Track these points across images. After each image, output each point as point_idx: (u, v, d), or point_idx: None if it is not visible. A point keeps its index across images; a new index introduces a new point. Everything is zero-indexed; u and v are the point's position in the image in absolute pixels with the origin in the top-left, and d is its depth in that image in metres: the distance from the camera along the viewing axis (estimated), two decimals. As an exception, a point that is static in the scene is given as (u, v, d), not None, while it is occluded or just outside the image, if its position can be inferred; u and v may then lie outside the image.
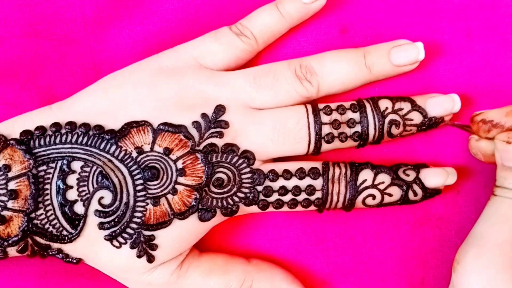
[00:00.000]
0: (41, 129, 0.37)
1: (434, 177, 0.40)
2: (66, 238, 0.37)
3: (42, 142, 0.37)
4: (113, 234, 0.37)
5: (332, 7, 0.43)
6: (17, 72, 0.43)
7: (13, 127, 0.38)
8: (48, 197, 0.37)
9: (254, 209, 0.39)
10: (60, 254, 0.38)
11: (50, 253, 0.38)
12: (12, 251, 0.38)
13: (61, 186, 0.37)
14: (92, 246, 0.38)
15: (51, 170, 0.37)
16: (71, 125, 0.37)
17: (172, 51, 0.41)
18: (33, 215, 0.37)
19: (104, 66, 0.43)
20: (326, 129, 0.39)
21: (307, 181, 0.39)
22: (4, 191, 0.36)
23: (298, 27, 0.43)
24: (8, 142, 0.37)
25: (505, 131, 0.36)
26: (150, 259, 0.38)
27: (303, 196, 0.39)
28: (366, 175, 0.39)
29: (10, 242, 0.37)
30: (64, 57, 0.43)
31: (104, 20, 0.43)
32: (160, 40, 0.43)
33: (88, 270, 0.40)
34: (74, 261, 0.39)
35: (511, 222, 0.36)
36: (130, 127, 0.38)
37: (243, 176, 0.38)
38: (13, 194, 0.36)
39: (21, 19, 0.43)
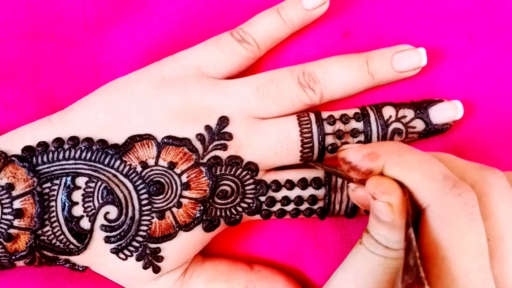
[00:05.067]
0: (43, 145, 0.37)
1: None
2: (73, 251, 0.38)
3: (45, 159, 0.37)
4: (119, 247, 0.38)
5: (334, 11, 0.43)
6: (17, 73, 0.42)
7: (12, 142, 0.38)
8: (54, 214, 0.37)
9: (257, 217, 0.40)
10: (67, 264, 0.39)
11: (58, 263, 0.38)
12: (20, 263, 0.38)
13: (67, 203, 0.37)
14: (98, 257, 0.38)
15: (56, 187, 0.37)
16: (74, 140, 0.37)
17: (174, 59, 0.40)
18: (39, 232, 0.37)
19: (105, 68, 0.43)
20: (329, 140, 0.39)
21: (310, 191, 0.39)
22: (10, 210, 0.36)
23: (300, 31, 0.42)
24: (9, 159, 0.37)
25: (362, 175, 0.32)
26: (156, 270, 0.39)
27: (305, 205, 0.39)
28: (368, 184, 0.40)
29: (17, 256, 0.37)
30: (64, 59, 0.43)
31: (105, 22, 0.43)
32: (161, 43, 0.43)
33: (93, 272, 0.41)
34: (81, 269, 0.39)
35: (365, 280, 0.33)
36: (134, 141, 0.37)
37: (246, 188, 0.39)
38: (19, 213, 0.36)
39: (22, 20, 0.42)
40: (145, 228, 0.38)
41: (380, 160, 0.31)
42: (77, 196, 0.37)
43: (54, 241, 0.37)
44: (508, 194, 0.32)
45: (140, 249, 0.38)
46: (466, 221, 0.29)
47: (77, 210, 0.37)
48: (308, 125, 0.39)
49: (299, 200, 0.39)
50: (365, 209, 0.36)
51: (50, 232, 0.37)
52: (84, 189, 0.37)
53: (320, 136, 0.39)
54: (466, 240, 0.29)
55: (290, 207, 0.39)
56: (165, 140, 0.37)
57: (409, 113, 0.40)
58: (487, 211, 0.31)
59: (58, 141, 0.37)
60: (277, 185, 0.39)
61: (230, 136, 0.38)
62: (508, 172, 0.34)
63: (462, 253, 0.29)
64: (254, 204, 0.39)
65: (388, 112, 0.40)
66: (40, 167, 0.37)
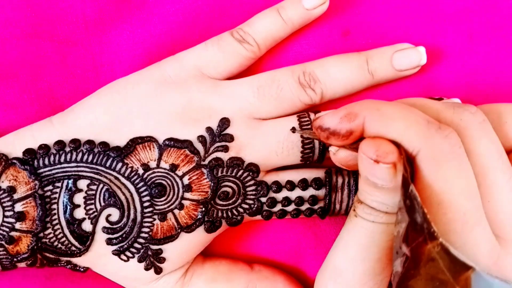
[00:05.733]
0: (45, 148, 0.37)
1: None
2: (75, 253, 0.38)
3: (46, 162, 0.37)
4: (121, 249, 0.38)
5: (334, 10, 0.42)
6: (17, 73, 0.42)
7: (13, 145, 0.38)
8: (55, 216, 0.37)
9: (258, 218, 0.40)
10: (69, 265, 0.39)
11: (59, 264, 0.38)
12: (21, 264, 0.38)
13: (68, 205, 0.37)
14: (100, 259, 0.39)
15: (57, 190, 0.37)
16: (75, 143, 0.37)
17: (174, 60, 0.40)
18: (41, 234, 0.37)
19: (105, 68, 0.43)
20: None
21: (310, 191, 0.39)
22: (11, 213, 0.36)
23: (300, 30, 0.42)
24: (10, 162, 0.37)
25: (342, 139, 0.31)
26: (157, 271, 0.39)
27: (306, 206, 0.40)
28: (368, 183, 0.40)
29: (19, 258, 0.37)
30: (64, 59, 0.42)
31: (105, 22, 0.42)
32: (161, 42, 0.42)
33: (94, 272, 0.41)
34: (82, 269, 0.39)
35: (370, 251, 0.33)
36: (135, 143, 0.37)
37: (247, 189, 0.39)
38: (21, 216, 0.36)
39: (22, 20, 0.42)
40: (147, 230, 0.38)
41: (359, 118, 0.30)
42: (78, 198, 0.37)
43: (55, 243, 0.37)
44: (484, 128, 0.32)
45: (142, 250, 0.38)
46: (457, 163, 0.30)
47: (79, 213, 0.37)
48: (309, 126, 0.39)
49: (300, 200, 0.39)
50: (349, 169, 0.35)
51: (51, 235, 0.37)
52: (85, 192, 0.37)
53: None
54: (459, 182, 0.29)
55: (291, 207, 0.40)
56: (167, 142, 0.37)
57: None
58: (466, 149, 0.31)
59: (60, 143, 0.37)
60: (278, 186, 0.39)
61: (231, 138, 0.38)
62: (483, 106, 0.34)
63: (458, 195, 0.29)
64: (255, 205, 0.39)
65: None
66: (42, 170, 0.37)
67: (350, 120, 0.31)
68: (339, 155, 0.34)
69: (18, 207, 0.36)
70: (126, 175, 0.37)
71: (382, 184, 0.30)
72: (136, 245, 0.38)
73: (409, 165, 0.30)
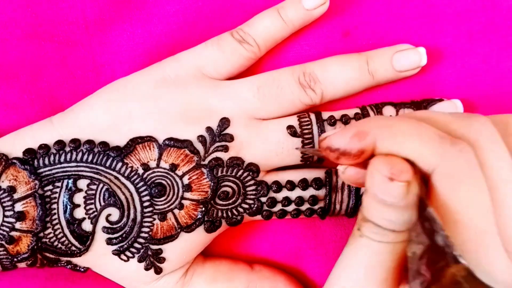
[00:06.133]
0: (45, 147, 0.37)
1: None
2: (75, 253, 0.38)
3: (46, 162, 0.37)
4: (121, 248, 0.38)
5: (334, 11, 0.42)
6: (18, 74, 0.42)
7: (13, 145, 0.38)
8: (55, 216, 0.37)
9: (258, 217, 0.40)
10: (69, 265, 0.39)
11: (60, 264, 0.39)
12: (21, 264, 0.38)
13: (68, 205, 0.37)
14: (100, 259, 0.39)
15: (57, 190, 0.37)
16: (75, 142, 0.37)
17: (174, 60, 0.40)
18: (41, 234, 0.37)
19: (105, 68, 0.43)
20: None
21: (310, 191, 0.39)
22: (11, 212, 0.36)
23: (300, 31, 0.42)
24: (10, 162, 0.37)
25: (354, 158, 0.30)
26: (158, 271, 0.39)
27: (306, 206, 0.40)
28: (368, 183, 0.40)
29: (19, 258, 0.37)
30: (65, 59, 0.42)
31: (105, 22, 0.42)
32: (161, 43, 0.42)
33: (94, 272, 0.41)
34: (82, 270, 0.39)
35: (376, 272, 0.31)
36: (135, 143, 0.37)
37: (247, 188, 0.39)
38: (21, 216, 0.36)
39: (23, 20, 0.42)
40: (146, 229, 0.38)
41: (370, 136, 0.29)
42: (78, 198, 0.37)
43: (56, 243, 0.37)
44: (495, 140, 0.30)
45: (142, 250, 0.38)
46: (474, 181, 0.29)
47: (79, 213, 0.37)
48: (309, 126, 0.39)
49: (300, 200, 0.39)
50: (358, 186, 0.35)
51: (52, 235, 0.37)
52: (85, 192, 0.37)
53: None
54: (476, 201, 0.28)
55: (291, 207, 0.40)
56: (167, 142, 0.38)
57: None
58: (477, 161, 0.30)
59: (60, 143, 0.37)
60: (278, 186, 0.39)
61: (231, 138, 0.38)
62: (493, 116, 0.32)
63: (474, 215, 0.28)
64: (255, 205, 0.39)
65: (388, 112, 0.40)
66: (42, 170, 0.37)
67: (360, 139, 0.29)
68: (348, 173, 0.32)
69: (18, 207, 0.36)
70: (126, 175, 0.37)
71: (392, 202, 0.29)
72: (136, 245, 0.38)
73: (423, 184, 0.29)
